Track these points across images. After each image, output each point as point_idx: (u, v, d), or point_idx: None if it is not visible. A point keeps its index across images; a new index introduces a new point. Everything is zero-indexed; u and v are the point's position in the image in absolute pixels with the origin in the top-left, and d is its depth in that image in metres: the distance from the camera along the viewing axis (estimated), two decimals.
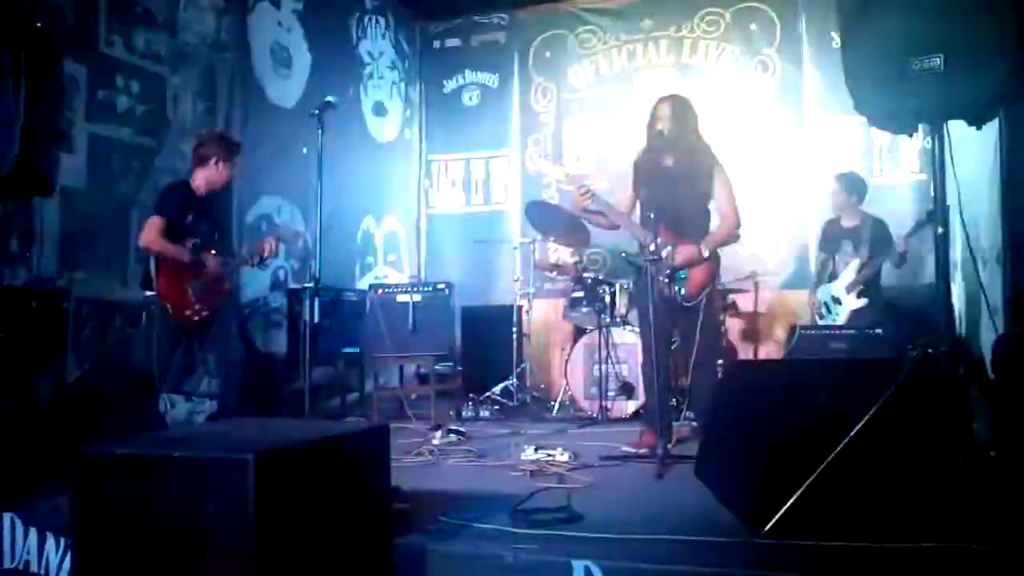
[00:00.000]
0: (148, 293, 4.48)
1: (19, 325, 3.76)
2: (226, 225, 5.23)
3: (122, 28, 5.09)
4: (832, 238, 5.98)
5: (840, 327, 5.54)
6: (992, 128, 4.63)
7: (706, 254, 4.22)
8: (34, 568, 2.78)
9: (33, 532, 2.80)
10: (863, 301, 5.68)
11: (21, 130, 3.33)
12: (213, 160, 4.66)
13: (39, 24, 3.55)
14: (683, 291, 4.22)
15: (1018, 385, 3.55)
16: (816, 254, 6.32)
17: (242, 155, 4.93)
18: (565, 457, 3.92)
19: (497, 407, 6.09)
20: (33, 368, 3.84)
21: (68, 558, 2.66)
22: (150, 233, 4.43)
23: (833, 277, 5.87)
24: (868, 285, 5.72)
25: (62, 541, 2.72)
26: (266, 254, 4.94)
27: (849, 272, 5.74)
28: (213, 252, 4.64)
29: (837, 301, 5.78)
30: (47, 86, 3.55)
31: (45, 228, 4.53)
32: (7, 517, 2.85)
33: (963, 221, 3.45)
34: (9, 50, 3.31)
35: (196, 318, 4.52)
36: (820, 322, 5.82)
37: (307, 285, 4.80)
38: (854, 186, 5.89)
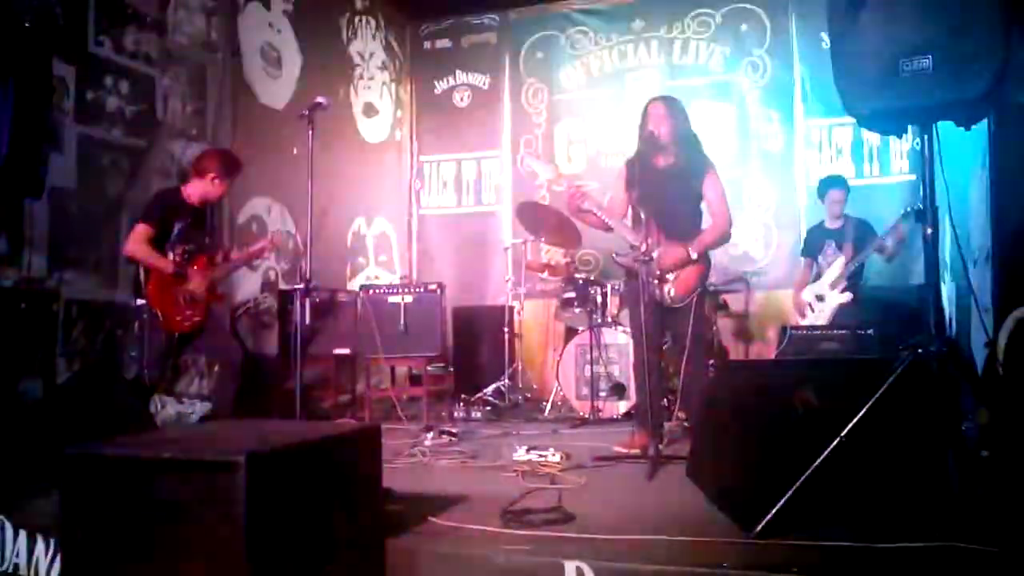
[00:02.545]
0: (139, 302, 4.45)
1: (8, 326, 3.74)
2: (217, 230, 5.20)
3: (111, 28, 5.06)
4: (815, 242, 6.04)
5: (831, 327, 5.56)
6: (981, 129, 4.66)
7: (695, 255, 4.23)
8: (23, 571, 2.76)
9: (23, 534, 2.79)
10: (847, 296, 5.71)
11: (10, 131, 3.31)
12: (211, 176, 4.62)
13: (27, 24, 3.53)
14: (673, 292, 4.24)
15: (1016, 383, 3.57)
16: (801, 259, 6.33)
17: (241, 174, 4.89)
18: (557, 458, 3.93)
19: (489, 408, 6.08)
20: (23, 369, 3.82)
21: (58, 560, 2.65)
22: (135, 241, 4.39)
23: (817, 278, 5.91)
24: (852, 280, 5.75)
25: (52, 543, 2.71)
26: (257, 259, 4.93)
27: (833, 270, 5.78)
28: (204, 258, 4.61)
29: (820, 298, 5.82)
30: (36, 87, 3.54)
31: (34, 229, 4.51)
32: None
33: (952, 221, 3.47)
34: None
35: (187, 324, 4.49)
36: (804, 321, 5.85)
37: (298, 286, 4.79)
38: (845, 184, 5.96)
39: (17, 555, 2.78)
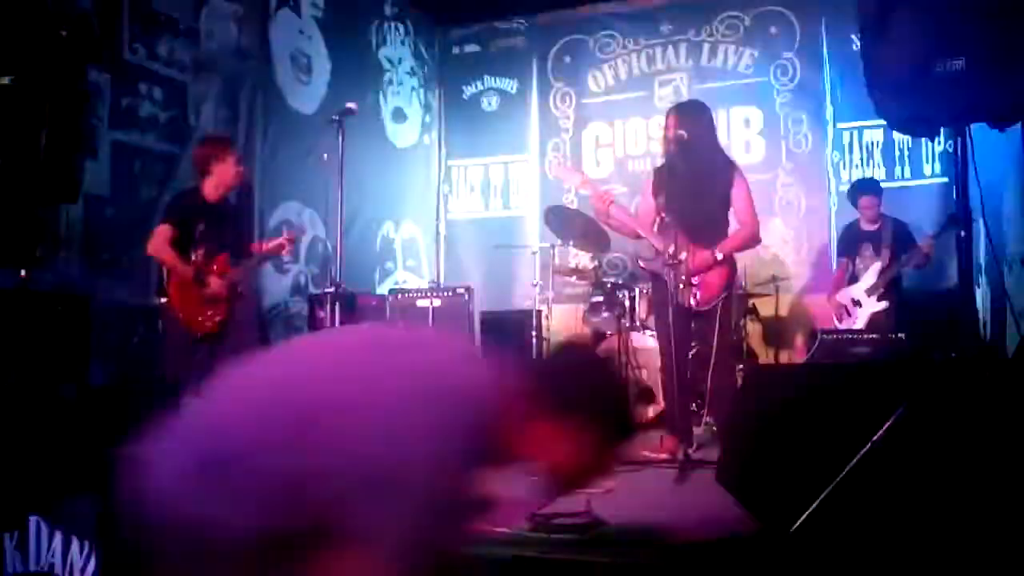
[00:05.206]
0: (162, 300, 4.50)
1: (44, 330, 3.80)
2: (245, 229, 5.22)
3: (145, 36, 5.14)
4: (851, 241, 5.96)
5: (862, 332, 5.51)
6: (1015, 131, 4.59)
7: (720, 258, 4.21)
8: (59, 571, 2.80)
9: (58, 535, 2.83)
10: (884, 304, 5.65)
11: (46, 137, 3.37)
12: (210, 164, 4.63)
13: (64, 32, 3.60)
14: (699, 295, 4.22)
15: None
16: (836, 258, 6.29)
17: (233, 145, 4.90)
18: None
19: None
20: (58, 372, 3.88)
21: (93, 561, 2.69)
22: (157, 242, 4.43)
23: (854, 280, 5.84)
24: (889, 288, 5.68)
25: (87, 544, 2.74)
26: (276, 256, 4.96)
27: (870, 275, 5.71)
28: (224, 258, 4.62)
29: (857, 304, 5.75)
30: (72, 93, 3.60)
31: (69, 234, 4.58)
32: (32, 520, 2.88)
33: (986, 224, 3.43)
34: (36, 58, 3.36)
35: (209, 324, 4.51)
36: (840, 325, 5.79)
37: (327, 290, 4.82)
38: (879, 189, 5.90)
39: (53, 555, 2.83)
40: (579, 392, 1.66)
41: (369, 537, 1.42)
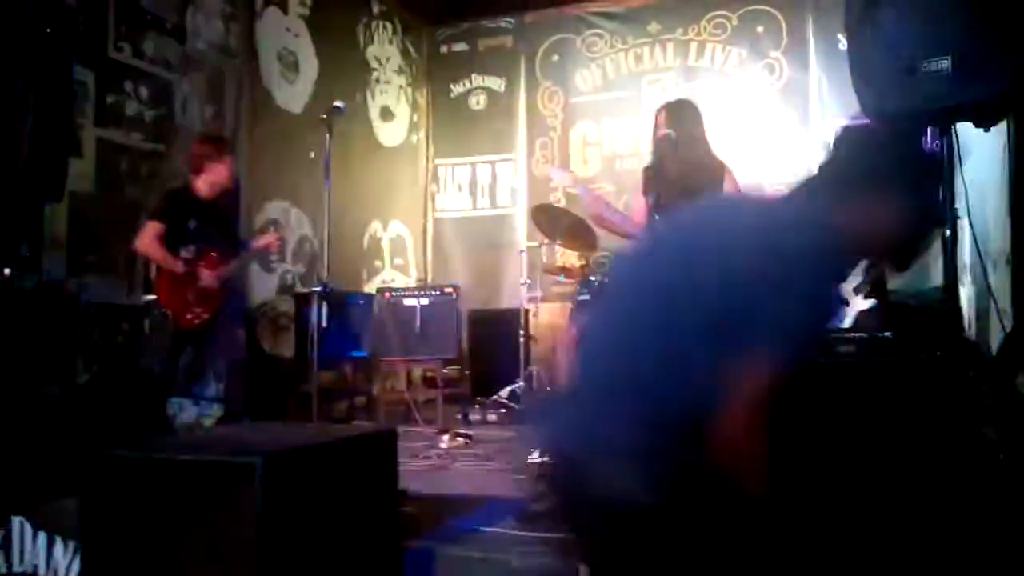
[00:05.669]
0: (150, 297, 4.48)
1: (29, 328, 3.77)
2: (235, 228, 5.20)
3: (131, 34, 5.11)
4: None
5: (848, 331, 5.51)
6: (1000, 129, 4.62)
7: None
8: (42, 572, 2.79)
9: (42, 536, 2.81)
10: (870, 302, 5.66)
11: (31, 135, 3.35)
12: (206, 163, 4.62)
13: (49, 30, 3.58)
14: None
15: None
16: None
17: (230, 147, 4.90)
18: None
19: (504, 410, 6.08)
20: (42, 371, 3.85)
21: (76, 561, 2.67)
22: (145, 238, 4.42)
23: None
24: (875, 286, 5.70)
25: (71, 544, 2.73)
26: (266, 255, 4.94)
27: (856, 273, 5.73)
28: (215, 254, 4.60)
29: (844, 303, 5.76)
30: (57, 92, 3.58)
31: (54, 232, 4.54)
32: (16, 521, 2.86)
33: (971, 223, 3.44)
34: (20, 56, 3.34)
35: (197, 322, 4.49)
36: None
37: (315, 289, 4.81)
38: None
39: (37, 557, 2.81)
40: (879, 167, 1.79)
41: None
